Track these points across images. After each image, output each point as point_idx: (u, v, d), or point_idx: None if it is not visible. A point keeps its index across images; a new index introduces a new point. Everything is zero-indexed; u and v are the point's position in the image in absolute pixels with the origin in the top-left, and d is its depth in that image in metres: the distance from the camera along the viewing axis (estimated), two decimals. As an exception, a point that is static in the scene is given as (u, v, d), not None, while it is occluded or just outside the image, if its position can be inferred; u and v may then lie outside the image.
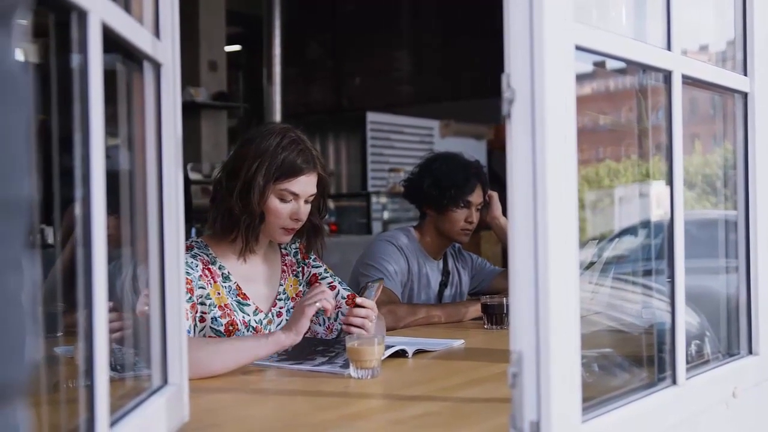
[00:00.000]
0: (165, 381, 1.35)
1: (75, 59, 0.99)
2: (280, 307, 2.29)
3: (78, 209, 0.98)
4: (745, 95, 1.77)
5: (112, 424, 1.06)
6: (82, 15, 0.97)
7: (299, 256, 2.37)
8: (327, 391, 1.75)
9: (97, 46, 0.99)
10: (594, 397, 1.31)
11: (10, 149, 0.52)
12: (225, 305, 2.15)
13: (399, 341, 2.16)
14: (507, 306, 2.59)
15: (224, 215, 2.16)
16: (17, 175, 0.52)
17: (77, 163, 0.98)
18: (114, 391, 1.05)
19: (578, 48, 1.23)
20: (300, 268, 2.36)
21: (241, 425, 1.55)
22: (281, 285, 2.31)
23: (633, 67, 1.58)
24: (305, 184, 2.16)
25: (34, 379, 0.58)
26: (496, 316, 2.60)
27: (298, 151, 2.14)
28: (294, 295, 2.32)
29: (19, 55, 0.57)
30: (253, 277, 2.26)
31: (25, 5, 0.59)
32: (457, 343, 2.31)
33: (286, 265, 2.34)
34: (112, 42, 1.08)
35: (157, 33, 1.33)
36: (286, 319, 2.25)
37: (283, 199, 2.15)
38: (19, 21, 0.57)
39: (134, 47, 1.20)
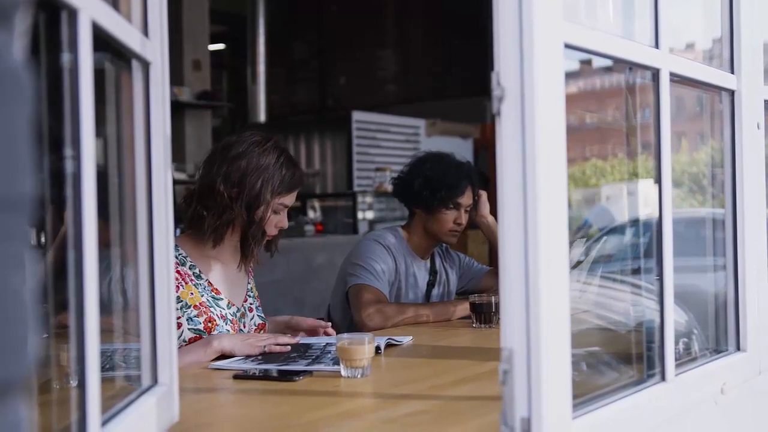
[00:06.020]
0: (155, 381, 1.34)
1: (65, 57, 0.98)
2: (250, 303, 2.39)
3: (68, 210, 0.98)
4: (732, 93, 1.78)
5: (103, 423, 1.05)
6: (72, 13, 0.97)
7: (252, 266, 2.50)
8: (317, 390, 1.74)
9: (87, 45, 0.98)
10: (584, 394, 1.31)
11: (14, 146, 0.52)
12: (200, 303, 2.21)
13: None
14: (495, 304, 2.60)
15: (226, 225, 2.22)
16: (20, 172, 0.53)
17: (67, 163, 0.97)
18: (103, 391, 1.04)
19: (567, 46, 1.23)
20: (253, 276, 2.49)
21: (232, 425, 1.55)
22: (249, 283, 2.42)
23: (619, 65, 1.58)
24: (294, 196, 2.31)
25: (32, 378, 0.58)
26: (485, 314, 2.60)
27: (294, 167, 2.27)
28: (256, 296, 2.45)
29: (21, 54, 0.57)
30: (224, 274, 2.33)
31: (27, 4, 0.58)
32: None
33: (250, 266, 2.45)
34: (100, 40, 1.07)
35: (145, 31, 1.32)
36: (258, 315, 2.39)
37: (276, 212, 2.26)
38: (21, 19, 0.57)
39: (123, 46, 1.19)
